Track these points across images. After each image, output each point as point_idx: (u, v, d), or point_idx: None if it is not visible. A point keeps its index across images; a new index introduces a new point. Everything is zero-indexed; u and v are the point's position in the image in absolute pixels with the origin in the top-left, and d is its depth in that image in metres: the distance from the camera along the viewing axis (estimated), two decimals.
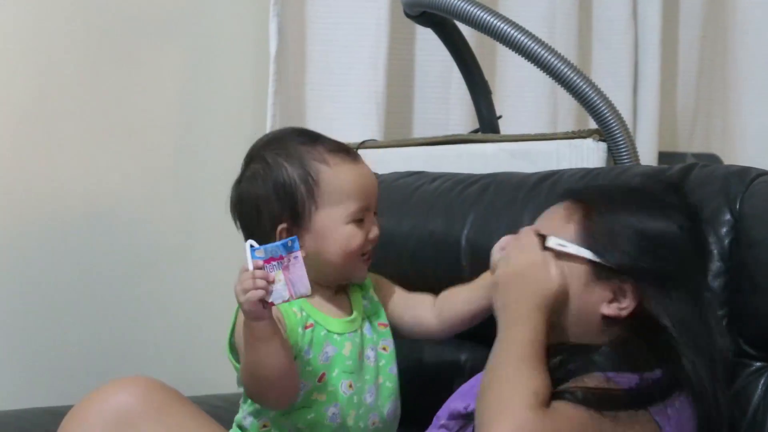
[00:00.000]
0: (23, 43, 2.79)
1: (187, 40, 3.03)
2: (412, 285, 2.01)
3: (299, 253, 1.72)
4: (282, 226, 1.87)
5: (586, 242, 1.73)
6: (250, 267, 1.70)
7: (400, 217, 2.31)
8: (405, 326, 2.01)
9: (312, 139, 1.93)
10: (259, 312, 1.70)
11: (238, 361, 1.87)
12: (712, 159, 3.49)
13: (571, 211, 1.78)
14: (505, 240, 1.85)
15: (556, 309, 1.72)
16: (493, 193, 2.22)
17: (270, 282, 1.69)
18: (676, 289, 1.70)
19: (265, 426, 1.89)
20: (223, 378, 2.87)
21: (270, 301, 1.70)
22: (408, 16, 2.82)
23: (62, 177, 2.84)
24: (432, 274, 2.11)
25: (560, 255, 1.74)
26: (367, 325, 1.95)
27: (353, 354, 1.89)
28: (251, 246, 1.72)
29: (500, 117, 2.88)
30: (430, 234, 2.24)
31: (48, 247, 2.82)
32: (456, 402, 1.87)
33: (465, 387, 1.92)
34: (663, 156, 3.49)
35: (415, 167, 2.55)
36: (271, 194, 1.89)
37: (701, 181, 1.89)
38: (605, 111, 2.38)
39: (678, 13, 3.71)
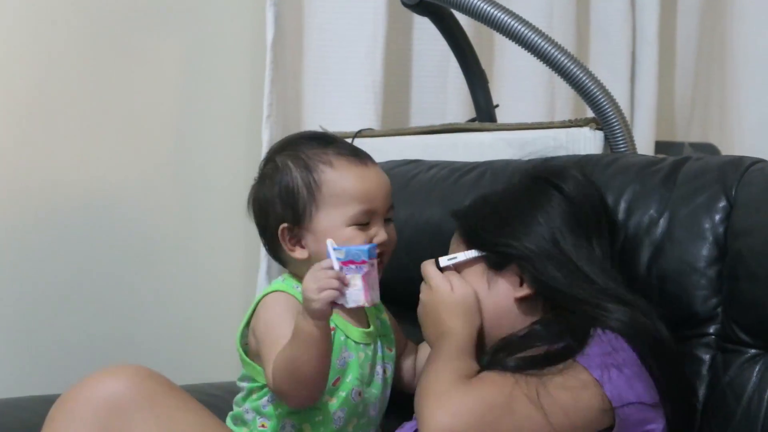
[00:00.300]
0: (22, 36, 2.78)
1: (184, 32, 3.03)
2: (409, 274, 2.01)
3: (376, 261, 1.73)
4: (283, 225, 1.88)
5: (470, 245, 1.87)
6: (335, 266, 1.69)
7: (397, 206, 2.30)
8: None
9: (324, 142, 1.93)
10: (327, 312, 1.69)
11: (248, 356, 1.88)
12: (710, 149, 3.49)
13: (458, 232, 1.92)
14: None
15: (475, 314, 1.82)
16: (489, 180, 2.22)
17: (345, 285, 1.69)
18: (553, 252, 1.79)
19: (263, 426, 1.89)
20: (218, 367, 2.89)
21: (343, 303, 1.69)
22: (405, 5, 2.81)
23: (61, 169, 2.84)
24: None
25: (458, 269, 1.87)
26: (379, 342, 1.95)
27: (366, 365, 1.90)
28: (332, 246, 1.72)
29: (497, 106, 2.88)
30: (426, 222, 2.25)
31: (46, 238, 2.82)
32: None
33: None
34: (660, 145, 3.49)
35: (412, 156, 2.56)
36: (275, 196, 1.89)
37: (697, 170, 1.90)
38: (602, 100, 2.38)
39: (676, 2, 3.71)
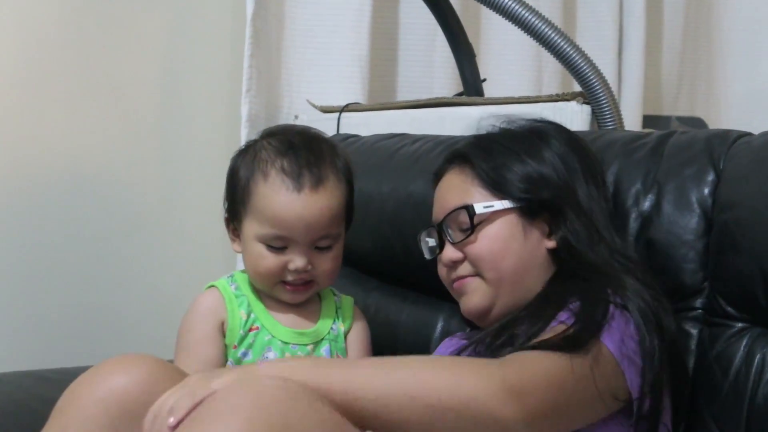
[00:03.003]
0: (5, 10, 2.77)
1: (167, 5, 3.02)
2: (392, 246, 2.01)
3: None
4: (226, 215, 1.93)
5: (501, 192, 1.79)
6: None
7: (380, 179, 2.31)
8: None
9: (283, 149, 1.86)
10: None
11: None
12: (697, 122, 3.49)
13: (466, 172, 1.83)
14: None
15: (511, 264, 1.76)
16: None
17: None
18: (573, 214, 1.76)
19: None
20: None
21: None
22: None
23: (45, 140, 2.83)
24: (410, 235, 2.11)
25: (489, 216, 1.78)
26: (327, 346, 1.93)
27: None
28: None
29: (484, 80, 2.87)
30: (409, 195, 2.24)
31: (30, 210, 2.81)
32: None
33: (444, 346, 1.93)
34: (648, 119, 3.49)
35: (399, 130, 2.55)
36: (228, 185, 1.92)
37: (684, 144, 1.89)
38: (589, 74, 2.38)
39: None
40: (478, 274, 1.79)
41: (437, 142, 2.32)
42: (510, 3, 2.46)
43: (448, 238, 1.81)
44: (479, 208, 1.77)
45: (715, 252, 1.78)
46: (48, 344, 2.80)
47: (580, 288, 1.68)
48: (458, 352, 1.73)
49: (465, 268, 1.81)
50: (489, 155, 1.81)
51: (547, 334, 1.58)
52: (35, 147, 2.81)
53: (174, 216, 3.03)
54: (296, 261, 1.84)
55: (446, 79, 3.22)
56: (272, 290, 1.90)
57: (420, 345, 2.14)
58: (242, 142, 2.89)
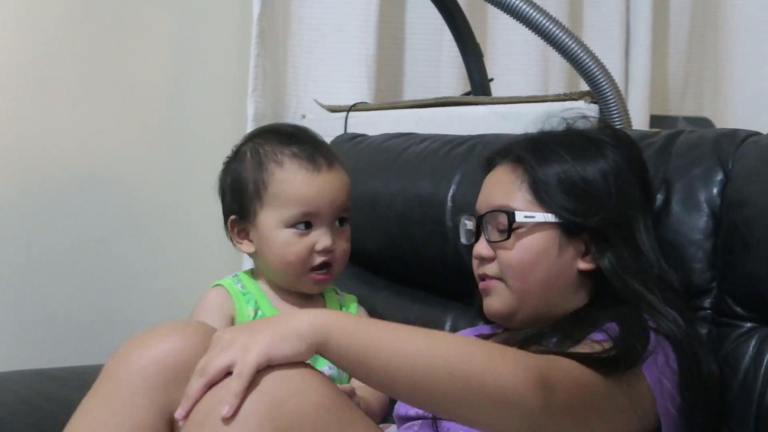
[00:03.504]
0: (16, 6, 2.77)
1: (176, 4, 3.02)
2: (399, 245, 2.01)
3: None
4: (232, 217, 1.92)
5: (546, 205, 1.74)
6: None
7: (388, 178, 2.31)
8: None
9: (287, 140, 1.91)
10: None
11: None
12: (704, 122, 3.48)
13: (518, 174, 1.79)
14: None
15: (538, 278, 1.73)
16: (480, 153, 2.21)
17: None
18: (621, 239, 1.72)
19: None
20: None
21: None
22: None
23: (52, 141, 2.83)
24: (418, 235, 2.11)
25: (529, 225, 1.74)
26: None
27: None
28: None
29: (492, 79, 2.87)
30: (416, 194, 2.24)
31: (39, 208, 2.82)
32: None
33: None
34: (654, 119, 3.49)
35: (405, 129, 2.55)
36: (228, 185, 1.93)
37: (692, 143, 1.89)
38: (597, 73, 2.37)
39: None
40: (502, 278, 1.77)
41: (445, 142, 2.32)
42: (517, 2, 2.46)
43: (485, 234, 1.79)
44: (520, 216, 1.74)
45: (724, 252, 1.78)
46: (55, 343, 2.80)
47: (617, 312, 1.65)
48: None
49: (492, 269, 1.78)
50: (543, 162, 1.77)
51: (582, 348, 1.57)
52: (43, 147, 2.82)
53: (180, 215, 3.03)
54: (322, 240, 1.86)
55: (453, 78, 3.21)
56: (298, 281, 1.90)
57: None
58: None
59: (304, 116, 3.02)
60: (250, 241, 1.91)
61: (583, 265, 1.74)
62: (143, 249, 2.97)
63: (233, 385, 1.39)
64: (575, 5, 3.47)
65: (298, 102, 3.09)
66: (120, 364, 1.62)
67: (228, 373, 1.42)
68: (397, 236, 2.19)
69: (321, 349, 1.44)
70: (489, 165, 1.88)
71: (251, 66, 2.96)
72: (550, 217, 1.73)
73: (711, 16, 3.77)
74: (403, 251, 2.03)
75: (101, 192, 2.90)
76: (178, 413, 1.46)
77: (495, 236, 1.77)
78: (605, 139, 1.79)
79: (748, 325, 1.76)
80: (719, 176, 1.81)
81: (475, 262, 1.83)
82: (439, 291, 2.15)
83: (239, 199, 1.90)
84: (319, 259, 1.88)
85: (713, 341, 1.77)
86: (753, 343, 1.74)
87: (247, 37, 2.97)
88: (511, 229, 1.74)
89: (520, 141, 1.85)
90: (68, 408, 1.71)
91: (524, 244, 1.74)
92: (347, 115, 2.82)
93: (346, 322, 1.46)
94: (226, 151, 2.98)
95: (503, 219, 1.75)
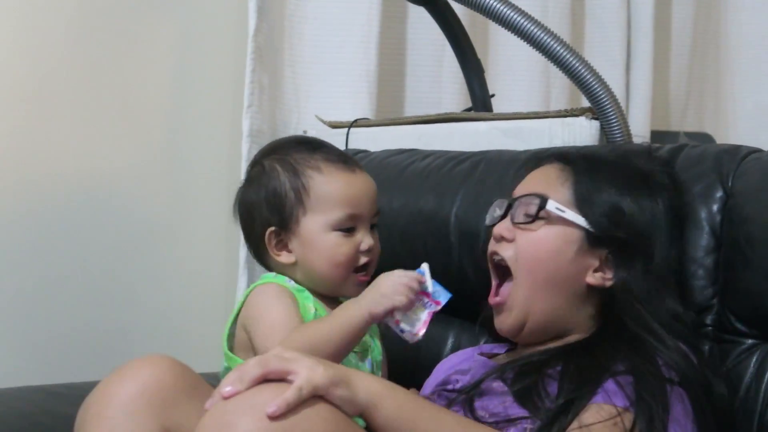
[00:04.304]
0: (16, 23, 2.78)
1: (174, 22, 3.03)
2: (402, 262, 2.00)
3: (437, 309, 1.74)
4: (270, 229, 1.88)
5: (581, 209, 1.75)
6: (429, 286, 1.74)
7: (391, 195, 2.31)
8: None
9: (312, 147, 1.92)
10: (381, 315, 1.71)
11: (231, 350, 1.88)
12: (705, 138, 3.49)
13: (565, 173, 1.80)
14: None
15: (546, 275, 1.74)
16: (483, 170, 2.22)
17: (411, 307, 1.72)
18: (642, 265, 1.73)
19: None
20: (213, 356, 2.88)
21: (399, 320, 1.72)
22: None
23: (55, 157, 2.84)
24: (422, 251, 2.12)
25: (553, 220, 1.75)
26: (369, 359, 1.92)
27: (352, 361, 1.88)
28: (427, 270, 1.75)
29: (493, 95, 2.87)
30: (420, 211, 2.25)
31: (41, 226, 2.82)
32: (439, 374, 1.89)
33: (452, 361, 1.93)
34: (655, 134, 3.49)
35: (407, 145, 2.55)
36: (262, 200, 1.89)
37: (693, 159, 1.89)
38: (598, 89, 2.38)
39: None
40: (510, 266, 1.77)
41: (448, 158, 2.32)
42: (519, 18, 2.46)
43: (512, 215, 1.80)
44: (551, 205, 1.75)
45: (725, 268, 1.78)
46: (57, 359, 2.80)
47: (628, 353, 1.64)
48: (483, 378, 1.73)
49: (507, 251, 1.79)
50: (595, 174, 1.79)
51: (591, 415, 1.55)
52: (43, 165, 2.82)
53: (178, 231, 3.03)
54: (366, 240, 1.87)
55: (455, 94, 3.21)
56: (343, 284, 1.89)
57: (430, 361, 2.14)
58: (243, 157, 2.90)
59: (305, 132, 3.03)
60: (289, 251, 1.88)
61: (592, 279, 1.75)
62: (143, 265, 2.97)
63: (290, 394, 1.39)
64: (577, 21, 3.47)
65: (299, 118, 3.09)
66: (103, 404, 1.66)
67: (265, 380, 1.43)
68: (401, 252, 2.19)
69: (369, 412, 1.47)
70: (537, 163, 1.89)
71: (246, 82, 2.95)
72: (580, 219, 1.75)
73: (712, 32, 3.78)
74: (405, 268, 2.02)
75: (99, 208, 2.90)
76: (209, 404, 1.46)
77: (520, 219, 1.78)
78: (660, 179, 1.81)
79: (750, 341, 1.76)
80: (719, 193, 1.81)
81: (492, 243, 1.84)
82: (442, 308, 2.15)
83: (279, 210, 1.87)
84: (363, 260, 1.88)
85: (715, 358, 1.77)
86: (754, 359, 1.75)
87: (244, 54, 2.97)
88: (538, 214, 1.75)
89: (573, 152, 1.87)
90: (69, 424, 1.72)
91: (545, 235, 1.76)
92: (348, 131, 2.82)
93: (396, 395, 1.51)
94: (225, 166, 3.01)
95: (534, 203, 1.76)
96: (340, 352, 1.72)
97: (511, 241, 1.79)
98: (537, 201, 1.76)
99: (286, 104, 3.08)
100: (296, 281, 1.88)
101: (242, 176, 2.84)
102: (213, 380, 1.86)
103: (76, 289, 2.86)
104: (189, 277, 3.05)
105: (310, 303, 1.86)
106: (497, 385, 1.70)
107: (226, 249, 3.06)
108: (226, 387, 1.43)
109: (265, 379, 1.44)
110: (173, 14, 3.02)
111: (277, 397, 1.38)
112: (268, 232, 1.87)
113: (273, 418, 1.37)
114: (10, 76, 2.78)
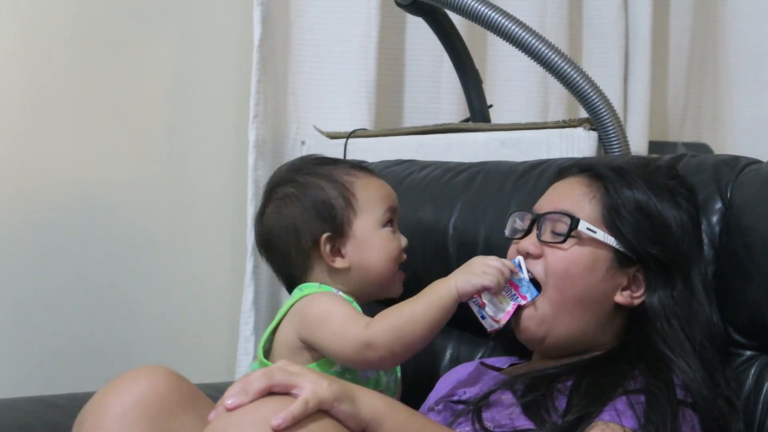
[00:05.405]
0: (16, 32, 2.78)
1: (175, 31, 3.03)
2: None
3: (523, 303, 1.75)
4: (326, 235, 1.87)
5: (611, 227, 1.74)
6: (525, 276, 1.75)
7: None
8: None
9: (332, 160, 1.98)
10: (471, 292, 1.72)
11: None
12: (703, 148, 3.49)
13: (592, 189, 1.78)
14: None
15: (576, 294, 1.73)
16: (481, 181, 2.22)
17: (498, 293, 1.74)
18: (680, 281, 1.72)
19: None
20: (214, 367, 2.89)
21: (485, 302, 1.73)
22: (398, 5, 2.82)
23: (54, 165, 2.84)
24: (420, 262, 2.11)
25: (583, 241, 1.74)
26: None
27: None
28: (522, 262, 1.77)
29: (491, 106, 2.87)
30: (418, 222, 2.25)
31: (40, 235, 2.81)
32: (443, 387, 1.89)
33: (458, 373, 1.93)
34: (653, 145, 3.49)
35: (405, 156, 2.55)
36: (309, 210, 1.89)
37: (692, 170, 1.89)
38: (596, 100, 2.38)
39: (669, 2, 3.70)
40: (537, 284, 1.76)
41: (445, 169, 2.32)
42: (517, 29, 2.47)
43: (538, 232, 1.78)
44: (582, 226, 1.73)
45: (724, 279, 1.78)
46: (55, 370, 2.80)
47: (645, 371, 1.64)
48: (493, 390, 1.72)
49: (534, 266, 1.77)
50: (625, 187, 1.77)
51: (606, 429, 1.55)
52: (44, 173, 2.82)
53: (181, 241, 3.03)
54: (402, 237, 1.93)
55: (453, 104, 3.21)
56: (392, 281, 1.92)
57: (429, 372, 2.15)
58: (250, 167, 2.90)
59: (303, 143, 3.03)
60: (343, 257, 1.88)
61: (620, 298, 1.74)
62: (144, 275, 2.97)
63: (296, 407, 1.39)
64: (574, 32, 3.48)
65: (298, 128, 3.09)
66: (99, 415, 1.65)
67: (270, 394, 1.43)
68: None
69: (371, 429, 1.47)
70: (560, 175, 1.88)
71: (252, 92, 2.96)
72: (611, 240, 1.73)
73: (710, 43, 3.78)
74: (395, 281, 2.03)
75: (101, 218, 2.90)
76: (212, 415, 1.46)
77: (548, 237, 1.76)
78: (678, 188, 1.80)
79: (748, 353, 1.76)
80: (718, 205, 1.81)
81: (513, 254, 1.82)
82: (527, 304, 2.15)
83: (330, 218, 1.88)
84: (404, 256, 1.93)
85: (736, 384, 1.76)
86: (753, 371, 1.75)
87: (247, 64, 2.97)
88: (569, 234, 1.73)
89: (601, 164, 1.84)
90: None
91: (575, 254, 1.74)
92: (346, 141, 2.82)
93: (399, 413, 1.52)
94: (227, 177, 3.01)
95: (564, 223, 1.75)
96: (428, 333, 1.72)
97: (538, 257, 1.77)
98: (567, 220, 1.74)
99: (286, 115, 3.09)
100: (341, 290, 1.88)
101: (248, 187, 2.89)
102: (214, 391, 1.88)
103: (77, 299, 2.86)
104: (192, 288, 3.04)
105: (360, 311, 1.85)
106: (506, 397, 1.69)
107: (230, 260, 3.06)
108: (229, 399, 1.43)
109: (269, 393, 1.43)
110: (175, 24, 3.03)
111: (280, 411, 1.38)
112: (323, 239, 1.87)
113: (277, 431, 1.37)
114: (11, 84, 2.78)
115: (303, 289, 1.87)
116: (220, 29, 3.09)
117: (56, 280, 2.84)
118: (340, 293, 1.86)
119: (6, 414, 2.19)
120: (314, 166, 1.95)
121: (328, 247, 1.87)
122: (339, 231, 1.88)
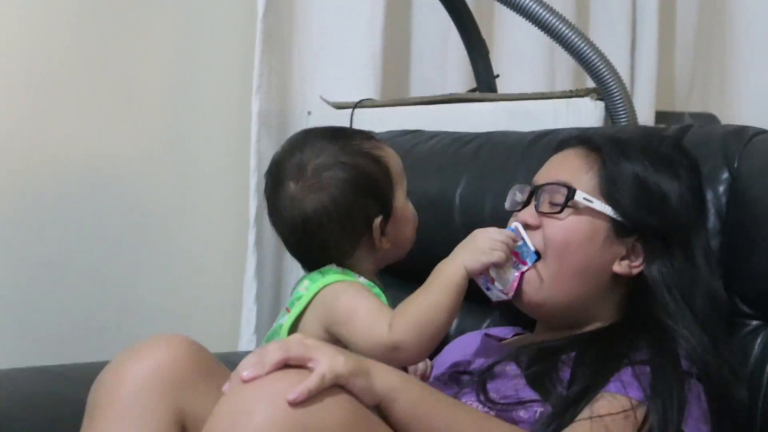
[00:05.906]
0: (21, 9, 2.77)
1: (179, 3, 3.02)
2: None
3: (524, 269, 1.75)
4: (378, 219, 1.78)
5: (608, 198, 1.74)
6: (527, 243, 1.74)
7: None
8: None
9: (347, 133, 1.84)
10: (479, 271, 1.71)
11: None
12: (710, 119, 3.48)
13: (590, 161, 1.78)
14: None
15: (575, 263, 1.73)
16: (488, 152, 2.22)
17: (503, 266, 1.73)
18: (679, 251, 1.71)
19: None
20: (221, 338, 2.89)
21: (494, 277, 1.73)
22: None
23: (60, 141, 2.83)
24: (426, 233, 2.11)
25: (580, 210, 1.74)
26: None
27: None
28: (514, 228, 1.76)
29: (497, 76, 2.87)
30: (424, 192, 2.24)
31: (46, 208, 2.82)
32: (449, 356, 1.89)
33: (463, 342, 1.93)
34: (660, 115, 3.49)
35: (412, 126, 2.55)
36: (359, 194, 1.77)
37: (699, 140, 1.88)
38: (603, 70, 2.37)
39: None
40: (538, 254, 1.75)
41: (452, 140, 2.32)
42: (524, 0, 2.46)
43: (536, 203, 1.78)
44: (579, 196, 1.73)
45: (730, 250, 1.77)
46: (60, 340, 2.80)
47: (650, 342, 1.63)
48: (498, 361, 1.72)
49: (533, 237, 1.76)
50: (622, 157, 1.76)
51: (603, 405, 1.54)
52: (49, 149, 2.82)
53: (185, 215, 3.03)
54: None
55: (460, 75, 3.21)
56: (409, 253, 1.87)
57: None
58: (253, 139, 2.90)
59: (309, 113, 3.02)
60: (386, 236, 1.81)
61: (619, 268, 1.74)
62: (149, 248, 2.97)
63: (312, 382, 1.37)
64: (582, 3, 3.47)
65: (303, 99, 3.08)
66: (115, 384, 1.63)
67: (285, 366, 1.41)
68: None
69: (385, 404, 1.47)
70: (559, 147, 1.87)
71: (256, 64, 2.95)
72: (608, 209, 1.73)
73: (718, 13, 3.77)
74: (410, 249, 2.02)
75: (106, 189, 2.90)
76: (226, 387, 1.45)
77: (546, 208, 1.76)
78: (679, 158, 1.79)
79: (755, 323, 1.76)
80: (725, 175, 1.81)
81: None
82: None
83: (380, 197, 1.79)
84: None
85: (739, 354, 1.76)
86: (759, 340, 1.75)
87: (251, 35, 2.96)
88: (566, 204, 1.73)
89: (598, 135, 1.84)
90: (73, 405, 1.71)
91: (573, 224, 1.74)
92: (353, 112, 2.82)
93: (413, 388, 1.51)
94: (232, 149, 3.01)
95: (561, 193, 1.75)
96: (449, 318, 1.70)
97: (536, 228, 1.77)
98: (564, 191, 1.74)
99: (292, 86, 3.08)
100: (363, 273, 1.81)
101: (251, 159, 2.88)
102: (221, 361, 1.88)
103: (81, 271, 2.87)
104: (195, 258, 3.05)
105: (383, 298, 1.80)
106: (511, 368, 1.69)
107: (233, 233, 3.06)
108: (245, 371, 1.41)
109: (285, 365, 1.42)
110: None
111: (296, 385, 1.37)
112: (376, 222, 1.78)
113: (293, 404, 1.36)
114: (16, 62, 2.77)
115: (324, 274, 1.78)
116: (223, 1, 3.08)
117: (62, 254, 2.84)
118: (361, 279, 1.78)
119: (10, 384, 2.19)
120: (342, 138, 1.81)
121: (379, 231, 1.79)
122: (386, 211, 1.79)
